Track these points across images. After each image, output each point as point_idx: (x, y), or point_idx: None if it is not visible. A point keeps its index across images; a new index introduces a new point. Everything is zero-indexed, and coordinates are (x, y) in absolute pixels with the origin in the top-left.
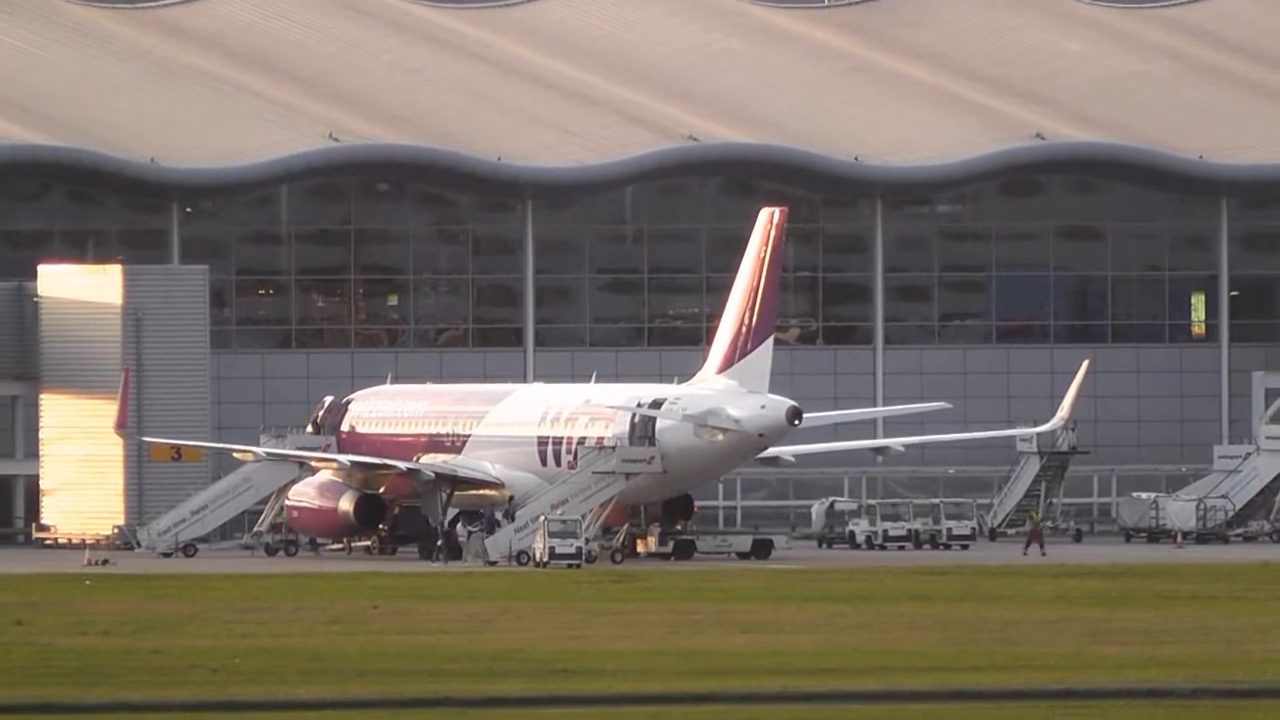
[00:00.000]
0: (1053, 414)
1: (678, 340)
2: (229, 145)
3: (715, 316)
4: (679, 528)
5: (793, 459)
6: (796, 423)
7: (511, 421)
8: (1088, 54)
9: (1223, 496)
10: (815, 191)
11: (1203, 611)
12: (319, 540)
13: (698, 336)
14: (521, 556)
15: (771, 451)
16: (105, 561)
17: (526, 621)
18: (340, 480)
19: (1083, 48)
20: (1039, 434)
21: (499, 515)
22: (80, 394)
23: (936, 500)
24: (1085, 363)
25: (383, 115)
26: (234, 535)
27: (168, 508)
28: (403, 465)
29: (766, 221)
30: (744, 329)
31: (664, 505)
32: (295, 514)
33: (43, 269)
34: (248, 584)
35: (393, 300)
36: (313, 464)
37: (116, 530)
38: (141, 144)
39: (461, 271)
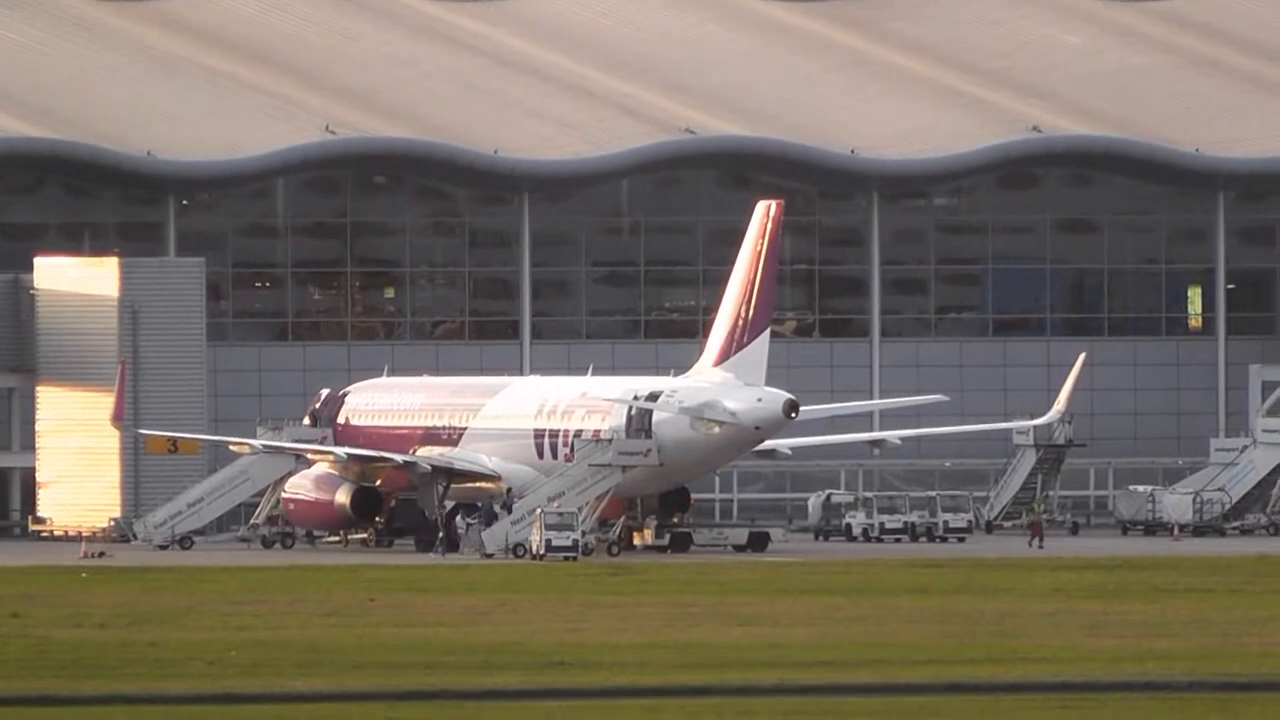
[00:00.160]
0: (1049, 407)
1: (674, 333)
2: (225, 138)
3: (712, 309)
4: (675, 520)
5: (789, 452)
6: (793, 415)
7: (508, 414)
8: (1084, 47)
9: (1219, 489)
10: (812, 184)
11: (1199, 604)
12: (315, 533)
13: (694, 329)
14: (518, 549)
15: (768, 444)
16: (102, 554)
17: (523, 614)
18: (337, 473)
19: (1079, 41)
20: (1036, 427)
21: (498, 508)
22: (76, 386)
23: (933, 493)
24: (1082, 356)
25: (379, 108)
26: (230, 528)
27: (164, 500)
28: (399, 458)
29: (763, 214)
30: (740, 322)
31: (660, 498)
32: (292, 506)
33: (39, 261)
34: (244, 576)
35: (389, 293)
36: (309, 456)
37: (113, 523)
38: (138, 137)
39: (458, 264)
